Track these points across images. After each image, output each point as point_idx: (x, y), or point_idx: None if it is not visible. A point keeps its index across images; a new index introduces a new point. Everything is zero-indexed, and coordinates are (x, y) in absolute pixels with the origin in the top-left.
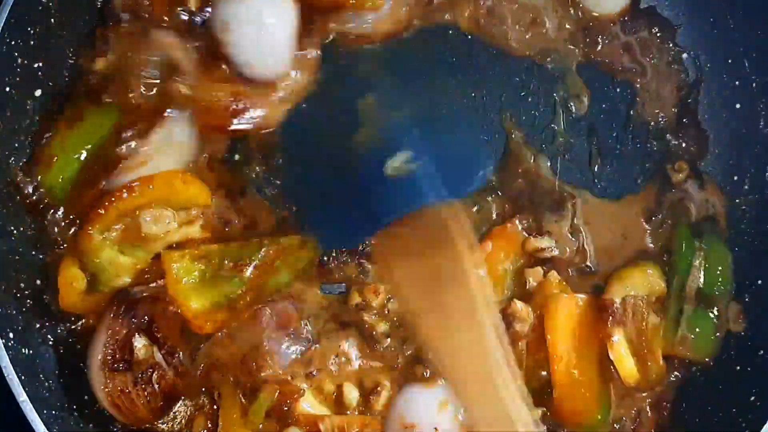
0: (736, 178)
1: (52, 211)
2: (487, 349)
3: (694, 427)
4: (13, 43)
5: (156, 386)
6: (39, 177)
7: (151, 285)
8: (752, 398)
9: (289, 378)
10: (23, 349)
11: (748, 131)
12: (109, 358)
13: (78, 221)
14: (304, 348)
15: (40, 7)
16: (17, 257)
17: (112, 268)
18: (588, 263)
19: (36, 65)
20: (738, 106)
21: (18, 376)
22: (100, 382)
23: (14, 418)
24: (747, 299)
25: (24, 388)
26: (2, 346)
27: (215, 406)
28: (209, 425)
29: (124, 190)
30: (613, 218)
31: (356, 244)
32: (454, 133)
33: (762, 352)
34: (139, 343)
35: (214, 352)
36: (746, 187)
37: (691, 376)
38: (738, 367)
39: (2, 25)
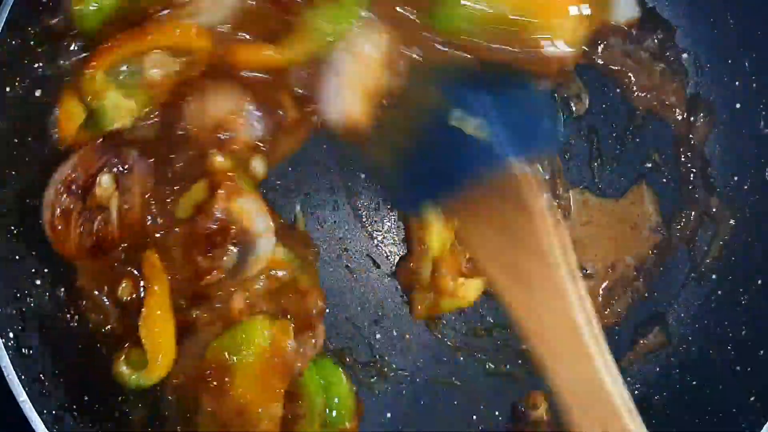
0: (736, 178)
1: (72, 43)
2: (573, 319)
3: (693, 427)
4: (13, 43)
5: (95, 228)
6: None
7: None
8: (752, 398)
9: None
10: (23, 349)
11: (748, 131)
12: (71, 178)
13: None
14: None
15: (40, 7)
16: (17, 257)
17: (115, 110)
18: (584, 266)
19: (36, 65)
20: (738, 106)
21: (18, 376)
22: (50, 196)
23: (14, 418)
24: (747, 299)
25: (24, 388)
26: (2, 346)
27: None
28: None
29: (132, 33)
30: (613, 218)
31: (421, 207)
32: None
33: (763, 352)
34: (105, 181)
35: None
36: (746, 187)
37: (690, 376)
38: (738, 367)
39: (2, 25)
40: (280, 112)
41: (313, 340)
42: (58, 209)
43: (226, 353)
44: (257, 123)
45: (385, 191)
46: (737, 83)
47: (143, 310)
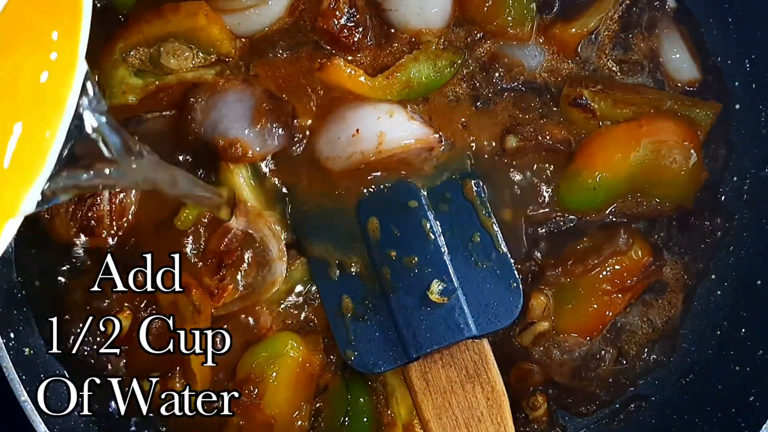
0: (735, 178)
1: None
2: None
3: (693, 427)
4: None
5: (85, 210)
6: None
7: (163, 113)
8: (752, 398)
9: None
10: (23, 349)
11: (748, 131)
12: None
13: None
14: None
15: None
16: (17, 257)
17: (121, 86)
18: None
19: None
20: (738, 106)
21: (18, 376)
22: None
23: (14, 418)
24: (747, 299)
25: (24, 388)
26: (2, 346)
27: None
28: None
29: (150, 15)
30: None
31: (385, 368)
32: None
33: (762, 352)
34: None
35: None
36: (746, 187)
37: (690, 376)
38: (738, 367)
39: None
40: (295, 123)
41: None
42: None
43: (258, 367)
44: (272, 136)
45: (343, 346)
46: (737, 83)
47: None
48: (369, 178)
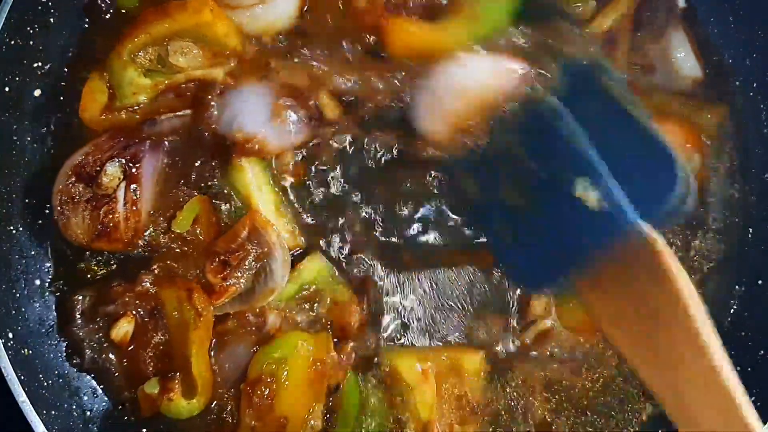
0: (737, 179)
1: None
2: (718, 376)
3: None
4: (13, 43)
5: (101, 215)
6: None
7: (177, 114)
8: (752, 398)
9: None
10: (23, 349)
11: (751, 132)
12: (81, 165)
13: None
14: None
15: (40, 7)
16: (17, 257)
17: (130, 86)
18: None
19: (36, 65)
20: (740, 106)
21: (18, 376)
22: (61, 182)
23: (14, 418)
24: (747, 299)
25: (24, 388)
26: (2, 346)
27: (145, 318)
28: (132, 334)
29: (156, 14)
30: None
31: (551, 284)
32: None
33: (762, 352)
34: (112, 169)
35: None
36: (747, 187)
37: None
38: (738, 367)
39: (2, 24)
40: (316, 115)
41: (352, 352)
42: (67, 195)
43: (268, 367)
44: (295, 128)
45: (508, 270)
46: (738, 83)
47: (192, 342)
48: (485, 121)
